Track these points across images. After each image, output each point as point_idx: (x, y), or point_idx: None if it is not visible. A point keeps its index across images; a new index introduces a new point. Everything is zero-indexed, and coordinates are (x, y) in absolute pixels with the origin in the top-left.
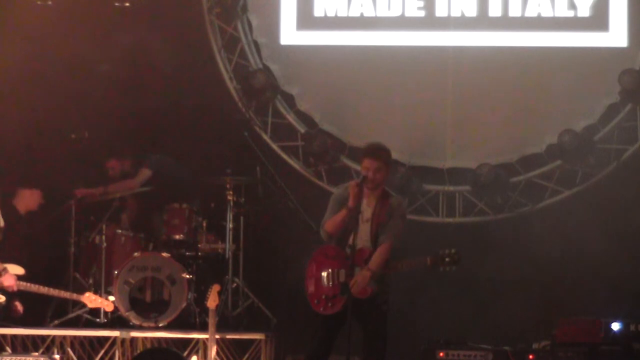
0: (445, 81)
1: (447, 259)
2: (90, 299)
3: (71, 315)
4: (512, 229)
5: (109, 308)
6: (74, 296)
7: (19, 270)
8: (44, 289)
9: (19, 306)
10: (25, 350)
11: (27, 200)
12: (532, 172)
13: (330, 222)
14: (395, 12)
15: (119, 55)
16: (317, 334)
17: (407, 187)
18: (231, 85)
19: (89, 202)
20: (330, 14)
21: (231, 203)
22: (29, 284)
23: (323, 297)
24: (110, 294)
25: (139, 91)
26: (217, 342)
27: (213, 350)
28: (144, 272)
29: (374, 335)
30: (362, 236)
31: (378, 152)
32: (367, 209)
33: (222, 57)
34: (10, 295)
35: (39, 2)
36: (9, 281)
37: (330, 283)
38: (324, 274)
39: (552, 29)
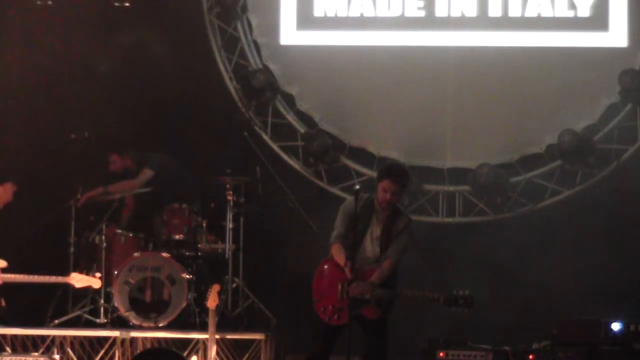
0: (445, 81)
1: (460, 301)
2: (77, 279)
3: (71, 315)
4: (512, 229)
5: (97, 285)
6: (60, 278)
7: (1, 263)
8: (28, 277)
9: (2, 302)
10: (25, 350)
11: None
12: (532, 172)
13: (336, 258)
14: (395, 12)
15: (119, 55)
16: (319, 337)
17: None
18: (231, 85)
19: (89, 202)
20: (330, 14)
21: (231, 203)
22: (13, 275)
23: (330, 306)
24: (110, 293)
25: (138, 91)
26: (217, 342)
27: (213, 350)
28: (144, 272)
29: (375, 337)
30: (371, 255)
31: (400, 176)
32: (376, 228)
33: (222, 57)
34: None
35: (39, 2)
36: None
37: (340, 296)
38: (335, 285)
39: (552, 29)
